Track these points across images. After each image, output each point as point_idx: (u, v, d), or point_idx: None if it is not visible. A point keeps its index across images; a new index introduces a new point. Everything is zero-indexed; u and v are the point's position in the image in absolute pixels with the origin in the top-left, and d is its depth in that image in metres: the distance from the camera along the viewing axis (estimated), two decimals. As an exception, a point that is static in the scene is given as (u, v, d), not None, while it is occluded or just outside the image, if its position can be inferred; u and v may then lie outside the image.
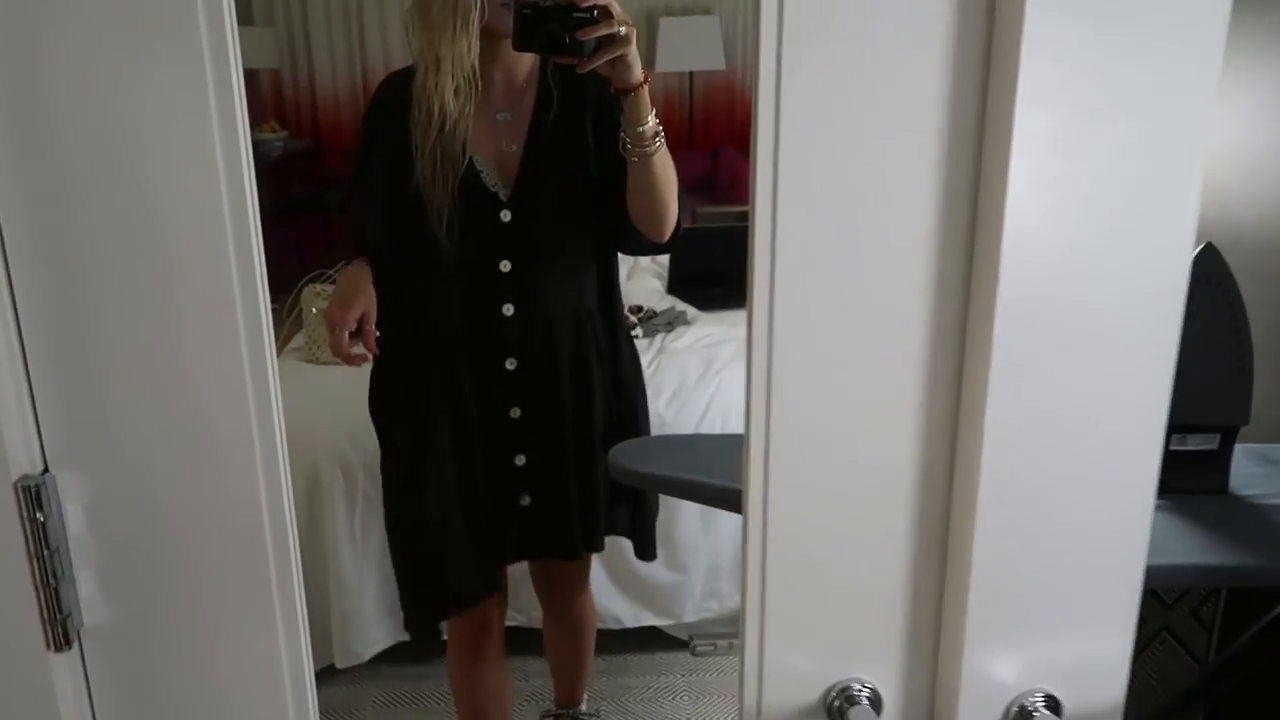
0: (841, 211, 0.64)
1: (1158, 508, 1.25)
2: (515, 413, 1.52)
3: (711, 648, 0.84)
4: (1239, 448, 1.41)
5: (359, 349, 1.47)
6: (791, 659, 0.74)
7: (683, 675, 2.31)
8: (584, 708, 2.02)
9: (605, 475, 1.56)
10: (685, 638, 2.37)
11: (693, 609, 2.30)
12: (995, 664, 0.72)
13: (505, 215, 1.46)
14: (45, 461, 0.65)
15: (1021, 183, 0.61)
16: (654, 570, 2.25)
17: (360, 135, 1.55)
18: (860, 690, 0.74)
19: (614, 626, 2.31)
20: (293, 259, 3.08)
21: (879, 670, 0.75)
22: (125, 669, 0.70)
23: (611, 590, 2.28)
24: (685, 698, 2.24)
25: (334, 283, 2.52)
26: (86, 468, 0.66)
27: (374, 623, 2.27)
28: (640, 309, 2.65)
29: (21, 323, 0.63)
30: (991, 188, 0.63)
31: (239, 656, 0.73)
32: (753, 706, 0.75)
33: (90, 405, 0.65)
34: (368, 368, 1.81)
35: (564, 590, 1.82)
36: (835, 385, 0.68)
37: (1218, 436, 1.25)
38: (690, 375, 2.28)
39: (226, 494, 0.68)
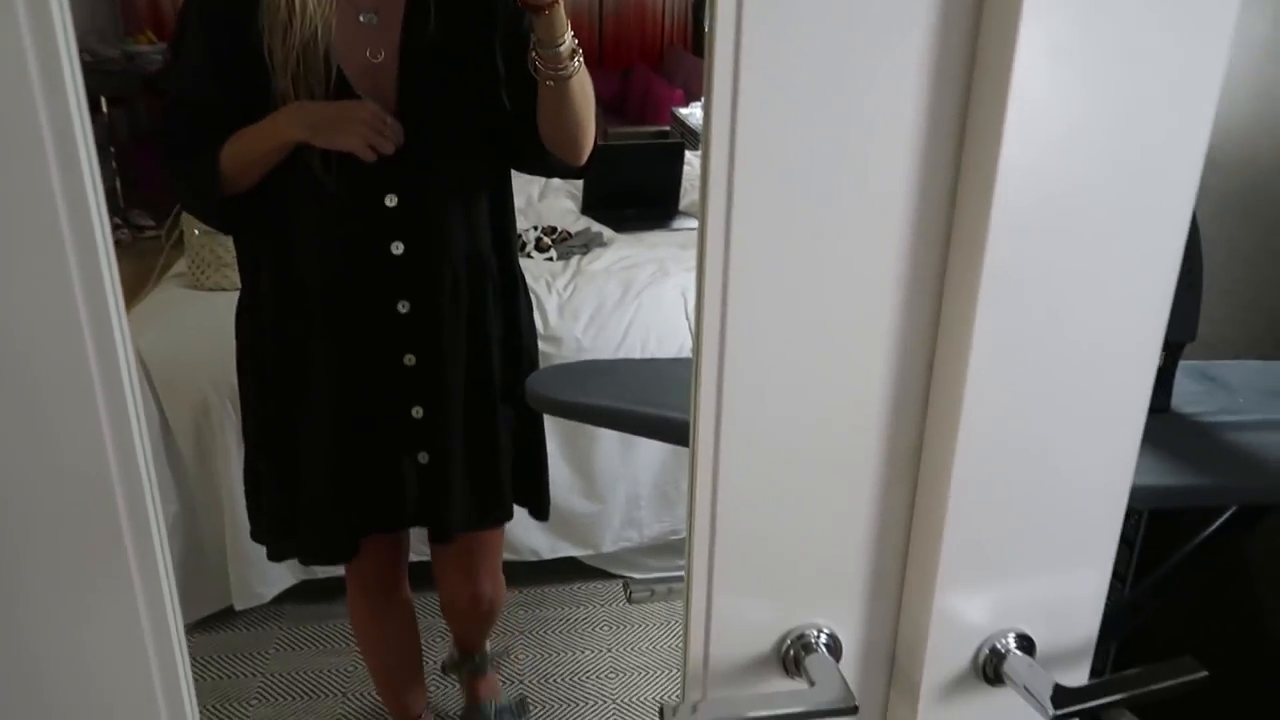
0: (807, 86, 0.53)
1: (1101, 428, 1.20)
2: (410, 360, 1.33)
3: (648, 594, 0.75)
4: (1179, 366, 1.38)
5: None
6: (743, 605, 0.65)
7: (602, 605, 2.25)
8: (488, 648, 1.86)
9: (507, 429, 1.44)
10: (606, 568, 2.31)
11: (611, 539, 2.24)
12: (966, 604, 0.65)
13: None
14: None
15: (1029, 52, 0.52)
16: (572, 500, 2.17)
17: (179, 26, 1.24)
18: (818, 636, 0.66)
19: (531, 559, 2.23)
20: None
21: (838, 614, 0.67)
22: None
23: (530, 523, 2.18)
24: (605, 628, 2.18)
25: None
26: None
27: (274, 562, 2.14)
28: (554, 230, 2.52)
29: None
30: (992, 56, 0.53)
31: (98, 626, 0.61)
32: (699, 659, 0.66)
33: None
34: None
35: (471, 572, 1.58)
36: (797, 296, 0.58)
37: (1164, 353, 1.20)
38: (609, 299, 2.17)
39: (66, 457, 0.55)
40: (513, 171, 1.42)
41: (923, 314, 0.60)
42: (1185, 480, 1.09)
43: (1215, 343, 1.52)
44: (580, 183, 2.88)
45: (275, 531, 1.44)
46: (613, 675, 2.04)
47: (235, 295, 2.19)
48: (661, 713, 0.62)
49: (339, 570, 2.18)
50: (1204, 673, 0.65)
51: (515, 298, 1.42)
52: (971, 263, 0.57)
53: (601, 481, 2.17)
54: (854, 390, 0.61)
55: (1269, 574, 1.47)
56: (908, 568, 0.66)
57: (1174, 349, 1.21)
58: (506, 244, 1.40)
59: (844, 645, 0.68)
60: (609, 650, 2.11)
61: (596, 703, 1.97)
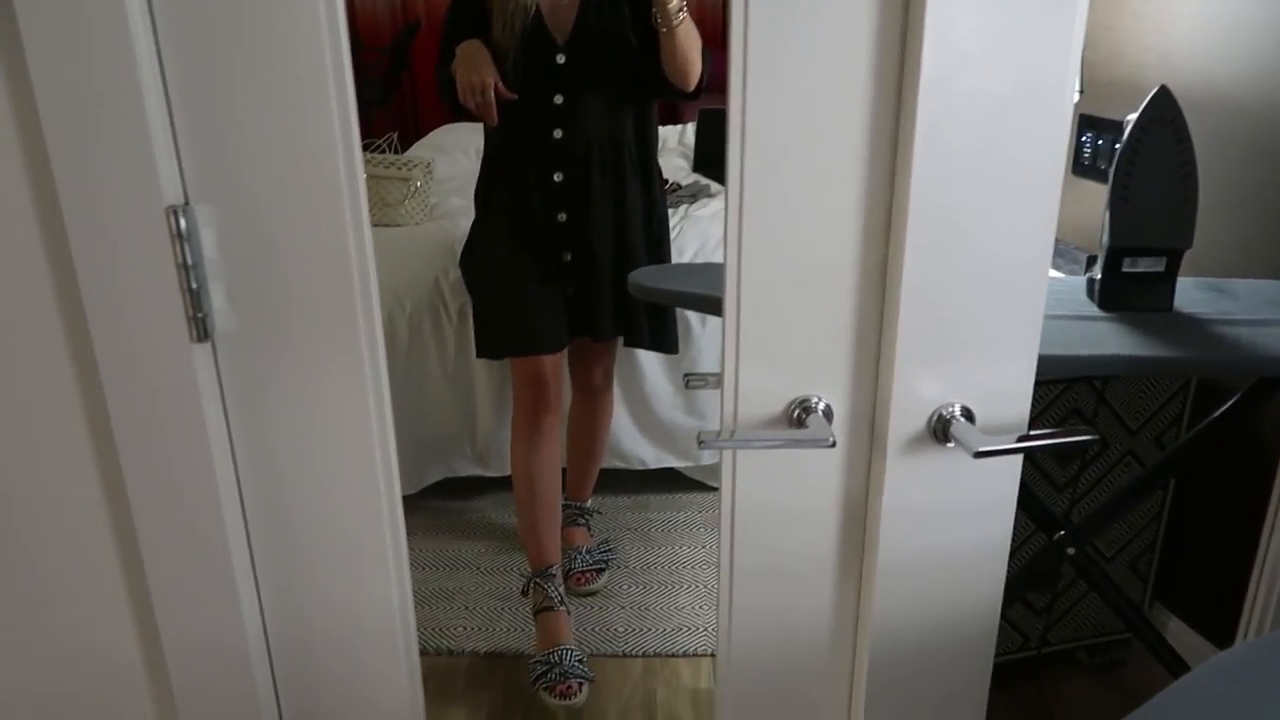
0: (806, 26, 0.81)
1: (1107, 320, 1.44)
2: (562, 217, 1.90)
3: (703, 383, 1.04)
4: (1191, 280, 1.58)
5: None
6: (761, 379, 0.93)
7: (699, 511, 2.55)
8: (589, 504, 2.41)
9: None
10: (704, 480, 2.60)
11: (711, 452, 2.52)
12: (921, 381, 0.92)
13: (560, 58, 1.83)
14: (186, 195, 0.85)
15: (941, -24, 0.78)
16: (675, 415, 2.47)
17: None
18: (817, 403, 0.94)
19: (639, 467, 2.54)
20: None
21: (832, 388, 0.94)
22: (247, 367, 0.92)
23: (637, 435, 2.50)
24: (701, 530, 2.48)
25: (380, 150, 2.71)
26: (217, 202, 0.86)
27: (422, 459, 2.51)
28: (667, 181, 2.81)
29: (169, 91, 0.83)
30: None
31: (331, 373, 0.94)
32: (730, 417, 0.95)
33: (220, 153, 0.84)
34: (406, 230, 2.49)
35: (591, 370, 2.19)
36: (797, 160, 0.86)
37: (1164, 259, 1.41)
38: (711, 239, 2.46)
39: (322, 231, 0.88)
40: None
41: (881, 165, 0.87)
42: (1173, 353, 1.29)
43: (1237, 265, 1.70)
44: (692, 143, 3.17)
45: (485, 341, 2.05)
46: (705, 566, 2.33)
47: (395, 231, 2.59)
48: (699, 438, 0.91)
49: (474, 470, 2.56)
50: (1095, 435, 0.89)
51: (650, 182, 1.98)
52: (909, 129, 0.83)
53: (702, 398, 2.46)
54: (837, 224, 0.88)
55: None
56: (880, 353, 0.93)
57: (1174, 255, 1.41)
58: (645, 141, 1.95)
59: (835, 412, 0.95)
60: (703, 547, 2.41)
61: (690, 586, 2.27)
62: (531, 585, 2.08)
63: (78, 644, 1.04)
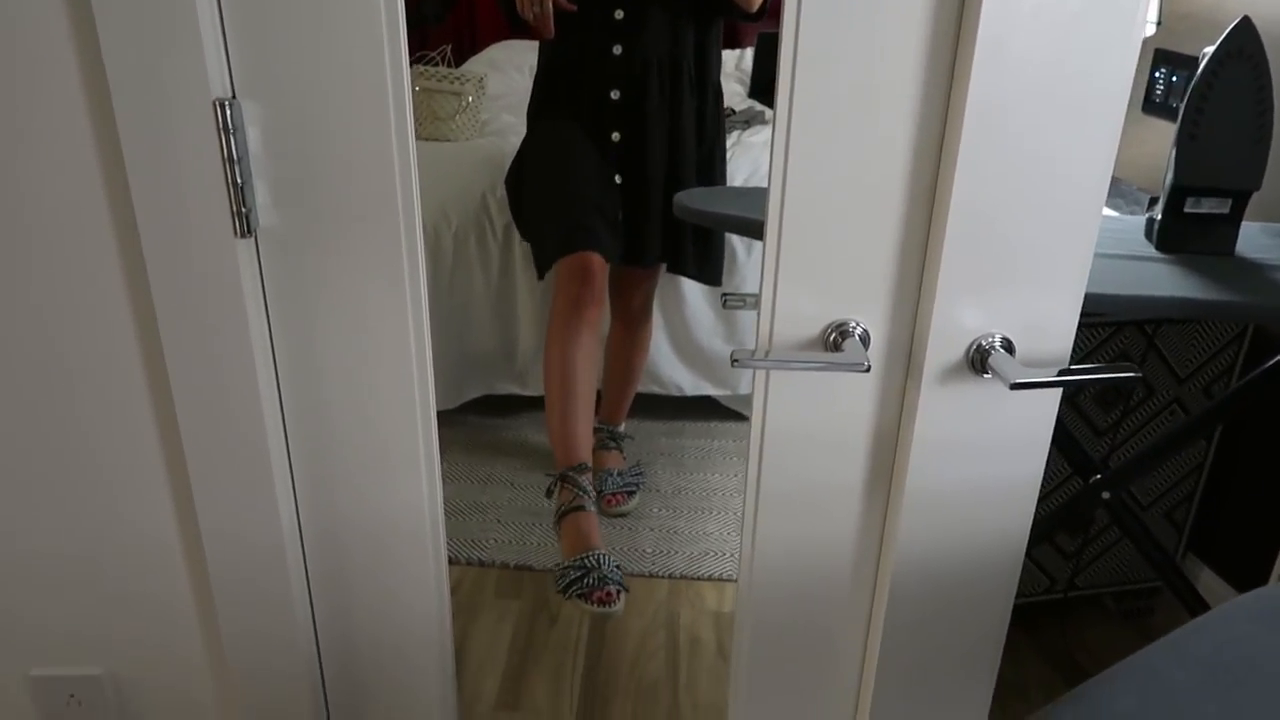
0: None
1: (1165, 261, 1.39)
2: (615, 136, 1.89)
3: (741, 303, 1.04)
4: (1257, 224, 1.53)
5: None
6: (800, 301, 0.92)
7: (734, 440, 2.55)
8: (622, 429, 2.43)
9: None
10: (740, 410, 2.60)
11: (748, 381, 2.52)
12: (963, 310, 0.90)
13: None
14: (234, 89, 0.85)
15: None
16: (715, 343, 2.46)
17: None
18: (854, 328, 0.93)
19: (675, 394, 2.54)
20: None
21: (870, 313, 0.93)
22: (288, 266, 0.93)
23: (675, 361, 2.50)
24: (734, 458, 2.48)
25: (434, 64, 2.69)
26: (263, 99, 0.86)
27: (462, 375, 2.54)
28: (720, 106, 2.76)
29: (215, -21, 0.82)
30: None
31: (370, 277, 0.94)
32: (766, 338, 0.94)
33: (268, 50, 0.84)
34: (456, 145, 2.43)
35: (631, 297, 2.19)
36: (850, 77, 0.83)
37: (1230, 201, 1.36)
38: (762, 165, 2.42)
39: (366, 135, 0.87)
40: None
41: (938, 88, 0.84)
42: (1230, 298, 1.25)
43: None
44: (750, 68, 3.10)
45: (541, 253, 2.02)
46: (735, 494, 2.35)
47: (445, 146, 2.58)
48: (733, 356, 0.90)
49: (513, 388, 2.58)
50: (1138, 373, 0.87)
51: (705, 105, 1.94)
52: (969, 45, 0.80)
53: (742, 327, 2.45)
54: (887, 142, 0.86)
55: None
56: (923, 279, 0.91)
57: (1240, 197, 1.35)
58: (704, 63, 1.92)
59: (872, 337, 0.94)
60: (735, 475, 2.42)
61: (719, 512, 2.29)
62: (559, 483, 1.91)
63: (121, 529, 1.08)
